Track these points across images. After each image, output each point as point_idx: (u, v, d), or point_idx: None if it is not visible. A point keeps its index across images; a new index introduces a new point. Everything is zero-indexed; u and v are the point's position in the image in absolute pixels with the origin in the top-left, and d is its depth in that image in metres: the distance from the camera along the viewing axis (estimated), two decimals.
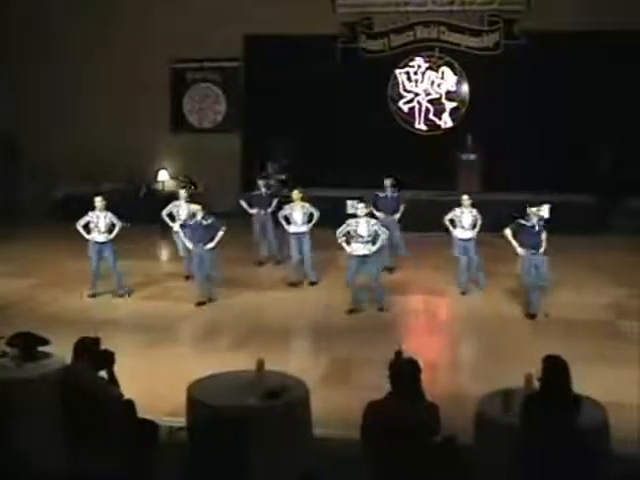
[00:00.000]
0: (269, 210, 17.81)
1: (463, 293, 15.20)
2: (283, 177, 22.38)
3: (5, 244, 19.41)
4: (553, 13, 21.72)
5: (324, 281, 16.12)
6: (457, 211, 15.29)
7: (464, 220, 15.20)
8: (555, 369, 6.67)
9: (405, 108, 24.27)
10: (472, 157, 22.04)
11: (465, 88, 23.91)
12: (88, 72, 24.52)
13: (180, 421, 8.21)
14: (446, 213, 15.18)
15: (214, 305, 14.68)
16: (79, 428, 6.88)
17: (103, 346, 7.39)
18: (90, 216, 15.04)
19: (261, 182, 18.40)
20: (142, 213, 19.92)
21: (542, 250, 13.51)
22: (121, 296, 15.13)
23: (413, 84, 24.19)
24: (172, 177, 24.82)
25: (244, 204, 18.08)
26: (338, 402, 9.51)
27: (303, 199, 16.17)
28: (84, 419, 6.87)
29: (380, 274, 14.53)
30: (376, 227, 14.12)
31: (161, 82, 25.01)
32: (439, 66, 23.99)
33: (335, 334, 12.89)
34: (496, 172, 21.10)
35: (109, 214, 15.07)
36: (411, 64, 24.10)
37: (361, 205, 14.28)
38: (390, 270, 16.56)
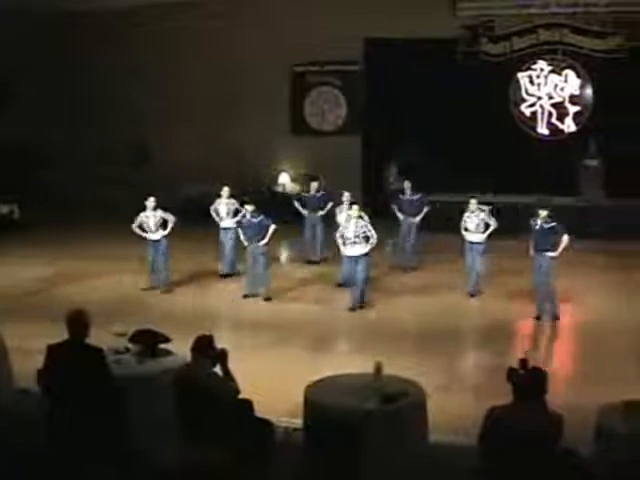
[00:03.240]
0: (418, 218, 17.77)
1: (472, 295, 15.43)
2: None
3: (125, 243, 19.93)
4: None
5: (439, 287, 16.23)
6: (465, 215, 15.61)
7: (470, 223, 15.45)
8: None
9: (527, 112, 23.98)
10: (594, 163, 21.62)
11: (589, 92, 23.47)
12: (211, 75, 24.98)
13: (296, 422, 8.29)
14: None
15: (334, 307, 14.84)
16: (196, 424, 7.02)
17: (223, 345, 7.54)
18: (141, 216, 15.81)
19: (407, 185, 18.07)
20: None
21: (551, 253, 13.72)
22: (167, 292, 15.87)
23: (536, 87, 23.88)
24: (293, 179, 25.06)
25: (395, 209, 17.98)
26: (453, 408, 9.46)
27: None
28: (201, 415, 7.00)
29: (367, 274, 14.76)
30: (365, 229, 14.41)
31: (282, 85, 25.28)
32: (562, 69, 23.60)
33: (452, 339, 12.88)
34: (619, 178, 20.64)
35: (159, 212, 15.80)
36: (534, 67, 23.79)
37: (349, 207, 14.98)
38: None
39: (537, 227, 13.85)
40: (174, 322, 12.33)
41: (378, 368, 7.91)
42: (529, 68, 23.85)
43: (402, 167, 22.87)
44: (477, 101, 22.43)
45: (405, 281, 16.76)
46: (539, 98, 23.88)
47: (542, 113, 23.90)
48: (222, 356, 7.45)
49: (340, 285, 15.92)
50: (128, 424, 7.47)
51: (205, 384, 7.20)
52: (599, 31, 22.96)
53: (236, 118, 24.80)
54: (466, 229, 15.48)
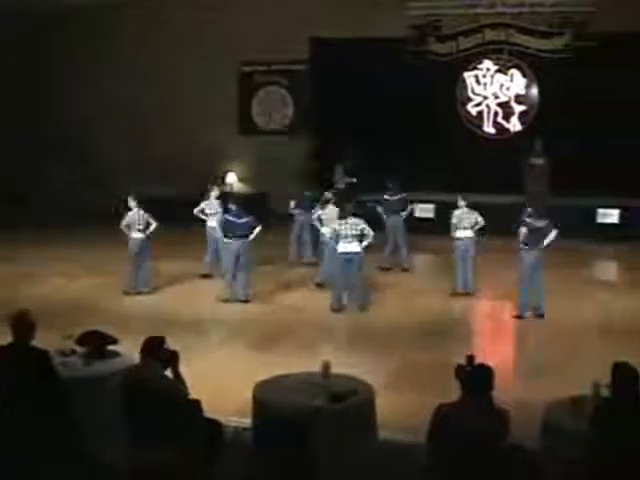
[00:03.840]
0: (403, 215, 17.80)
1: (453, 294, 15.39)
2: (353, 180, 22.36)
3: (70, 245, 19.78)
4: (624, 14, 21.27)
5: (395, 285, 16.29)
6: (455, 214, 15.53)
7: (466, 222, 15.36)
8: (625, 376, 6.58)
9: (473, 111, 24.13)
10: (540, 161, 21.79)
11: (534, 91, 23.66)
12: (156, 73, 24.78)
13: (245, 421, 8.26)
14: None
15: (286, 307, 14.81)
16: (144, 426, 6.95)
17: (172, 346, 7.47)
18: (129, 215, 15.64)
19: (393, 185, 18.01)
20: None
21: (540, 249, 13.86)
22: (139, 293, 15.53)
23: (482, 87, 24.03)
24: (240, 179, 24.99)
25: (381, 210, 17.91)
26: (403, 405, 9.49)
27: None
28: (149, 417, 6.94)
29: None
30: (362, 226, 14.28)
31: (229, 84, 25.17)
32: (508, 69, 23.78)
33: (400, 336, 12.92)
34: (565, 177, 20.82)
35: (145, 214, 15.61)
36: (480, 67, 23.94)
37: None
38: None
39: (534, 223, 13.79)
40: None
41: (326, 367, 7.91)
42: (475, 68, 23.98)
43: (349, 167, 22.89)
44: (424, 100, 22.54)
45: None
46: (485, 97, 24.03)
47: (488, 112, 24.05)
48: (173, 358, 7.37)
49: (319, 285, 15.81)
50: (75, 426, 7.38)
51: (153, 386, 7.13)
52: (545, 31, 23.14)
53: (183, 118, 24.62)
54: (464, 227, 15.33)
